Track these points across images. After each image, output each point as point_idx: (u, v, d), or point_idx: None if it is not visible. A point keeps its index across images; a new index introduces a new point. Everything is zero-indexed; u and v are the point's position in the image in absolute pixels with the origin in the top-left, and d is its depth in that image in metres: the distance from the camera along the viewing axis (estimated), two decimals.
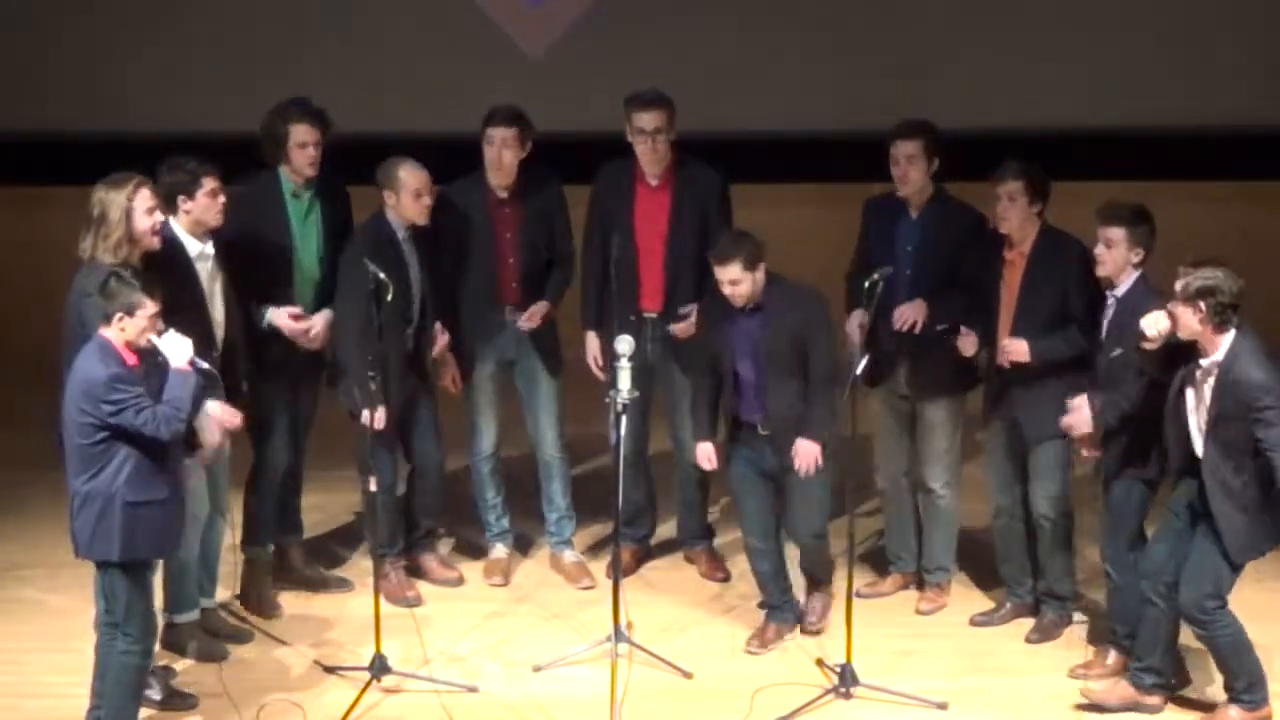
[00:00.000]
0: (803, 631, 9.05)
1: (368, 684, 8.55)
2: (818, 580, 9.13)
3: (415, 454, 9.43)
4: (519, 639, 9.14)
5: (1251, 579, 9.31)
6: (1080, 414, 8.46)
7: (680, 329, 9.32)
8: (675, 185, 9.37)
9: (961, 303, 8.96)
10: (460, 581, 9.62)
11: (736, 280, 8.54)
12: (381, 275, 8.68)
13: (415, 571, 9.55)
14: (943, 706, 8.50)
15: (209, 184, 8.63)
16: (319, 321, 9.15)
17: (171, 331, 7.81)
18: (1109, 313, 8.45)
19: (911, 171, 9.03)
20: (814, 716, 8.48)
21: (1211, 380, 7.95)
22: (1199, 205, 11.82)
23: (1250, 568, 9.10)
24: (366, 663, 8.61)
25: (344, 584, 9.55)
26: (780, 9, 12.55)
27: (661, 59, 12.06)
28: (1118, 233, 8.41)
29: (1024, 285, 8.74)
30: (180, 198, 8.60)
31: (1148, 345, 8.13)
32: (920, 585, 9.47)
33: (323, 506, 10.13)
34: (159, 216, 8.32)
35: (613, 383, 8.48)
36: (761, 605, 9.09)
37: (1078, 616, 9.07)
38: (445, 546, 9.93)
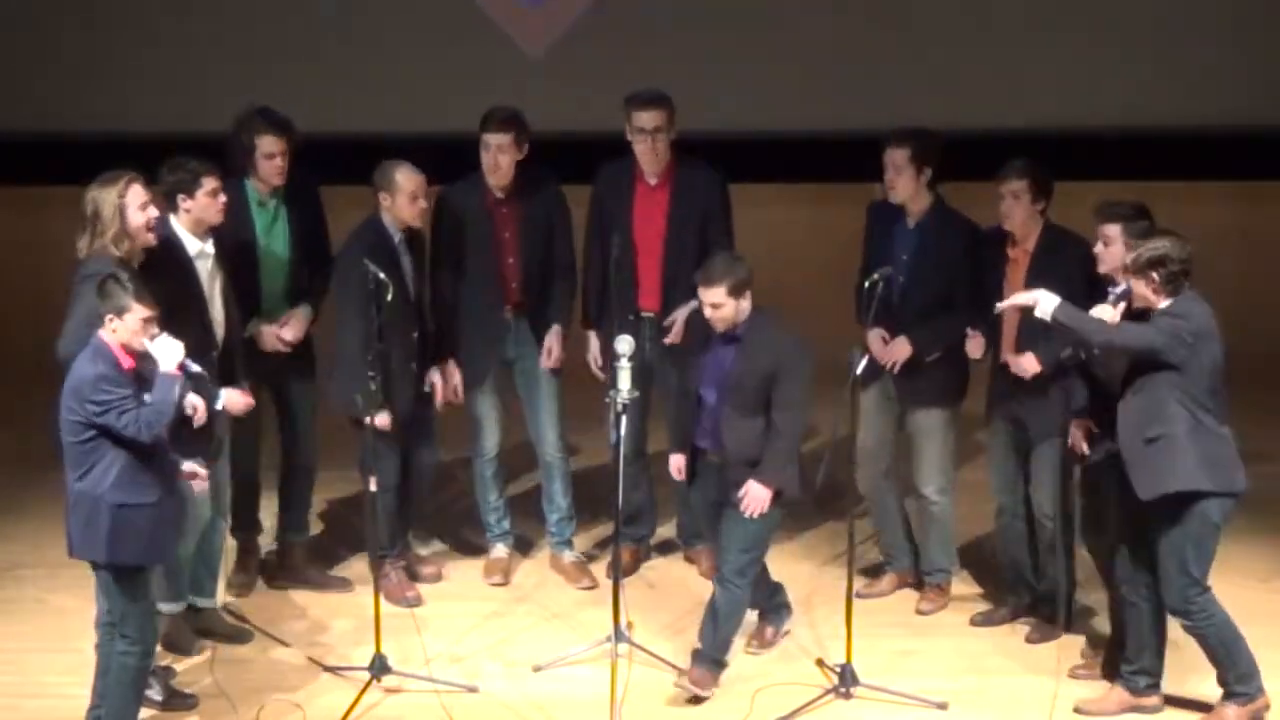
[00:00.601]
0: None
1: (368, 684, 8.55)
2: (716, 633, 8.55)
3: (411, 458, 9.45)
4: (519, 639, 9.14)
5: (1253, 579, 9.33)
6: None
7: (670, 339, 9.34)
8: (674, 185, 9.38)
9: (953, 326, 8.96)
10: (438, 578, 9.65)
11: (718, 304, 8.39)
12: (381, 275, 8.70)
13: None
14: (943, 706, 8.50)
15: (209, 183, 8.64)
16: (293, 324, 9.19)
17: (164, 335, 7.81)
18: None
19: (898, 180, 9.01)
20: (814, 716, 8.48)
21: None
22: (1199, 205, 11.82)
23: (1251, 568, 9.10)
24: (366, 663, 8.61)
25: (344, 584, 9.56)
26: (780, 9, 12.55)
27: (661, 59, 12.06)
28: (1115, 229, 8.42)
29: (1028, 283, 8.73)
30: (180, 196, 8.62)
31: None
32: (920, 585, 9.47)
33: (323, 506, 10.13)
34: (153, 211, 8.32)
35: (613, 383, 8.48)
36: (753, 606, 8.98)
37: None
38: (425, 549, 9.94)
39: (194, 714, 8.49)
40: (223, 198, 8.68)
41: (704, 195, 9.39)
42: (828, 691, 8.56)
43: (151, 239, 8.34)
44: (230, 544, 9.33)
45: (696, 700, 8.52)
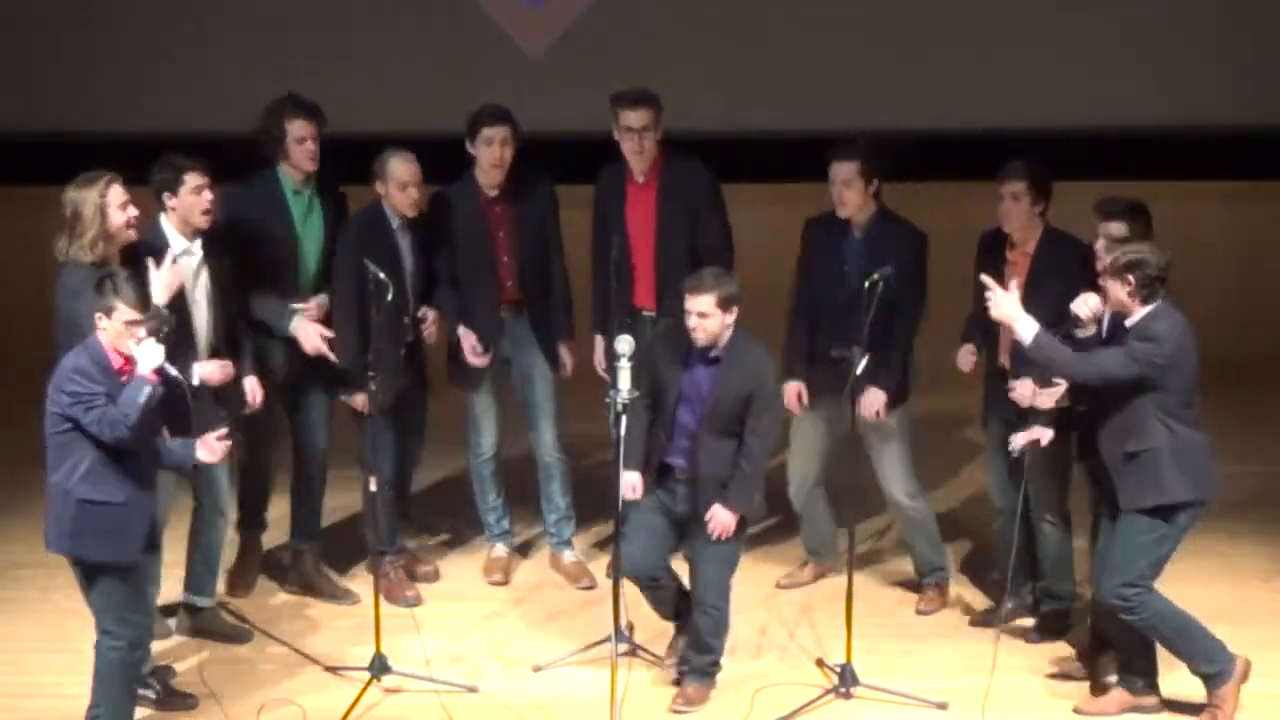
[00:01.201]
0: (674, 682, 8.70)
1: (368, 684, 8.55)
2: (704, 651, 8.59)
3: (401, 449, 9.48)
4: (519, 639, 9.14)
5: (1255, 578, 9.33)
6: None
7: None
8: (661, 183, 9.37)
9: (909, 333, 9.02)
10: (435, 577, 9.68)
11: (706, 314, 8.27)
12: (381, 275, 8.71)
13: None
14: (943, 706, 8.50)
15: (192, 180, 8.61)
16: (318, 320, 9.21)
17: (150, 340, 7.78)
18: (1077, 334, 8.38)
19: (848, 194, 8.97)
20: (814, 716, 8.49)
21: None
22: (1199, 205, 11.83)
23: (1251, 568, 9.10)
24: (366, 663, 8.62)
25: (350, 596, 9.51)
26: (779, 9, 12.55)
27: (661, 59, 12.06)
28: (1116, 227, 8.41)
29: (1027, 286, 8.73)
30: (165, 194, 8.62)
31: (1081, 331, 8.18)
32: (919, 588, 9.48)
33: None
34: (133, 211, 8.31)
35: (613, 382, 8.47)
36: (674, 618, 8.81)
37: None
38: (413, 540, 9.96)
39: (193, 714, 8.49)
40: (208, 195, 8.64)
41: (691, 192, 9.37)
42: (828, 691, 8.56)
43: (132, 235, 8.33)
44: (231, 537, 9.33)
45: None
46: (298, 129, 9.10)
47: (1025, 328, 8.10)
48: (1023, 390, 8.48)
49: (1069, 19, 12.53)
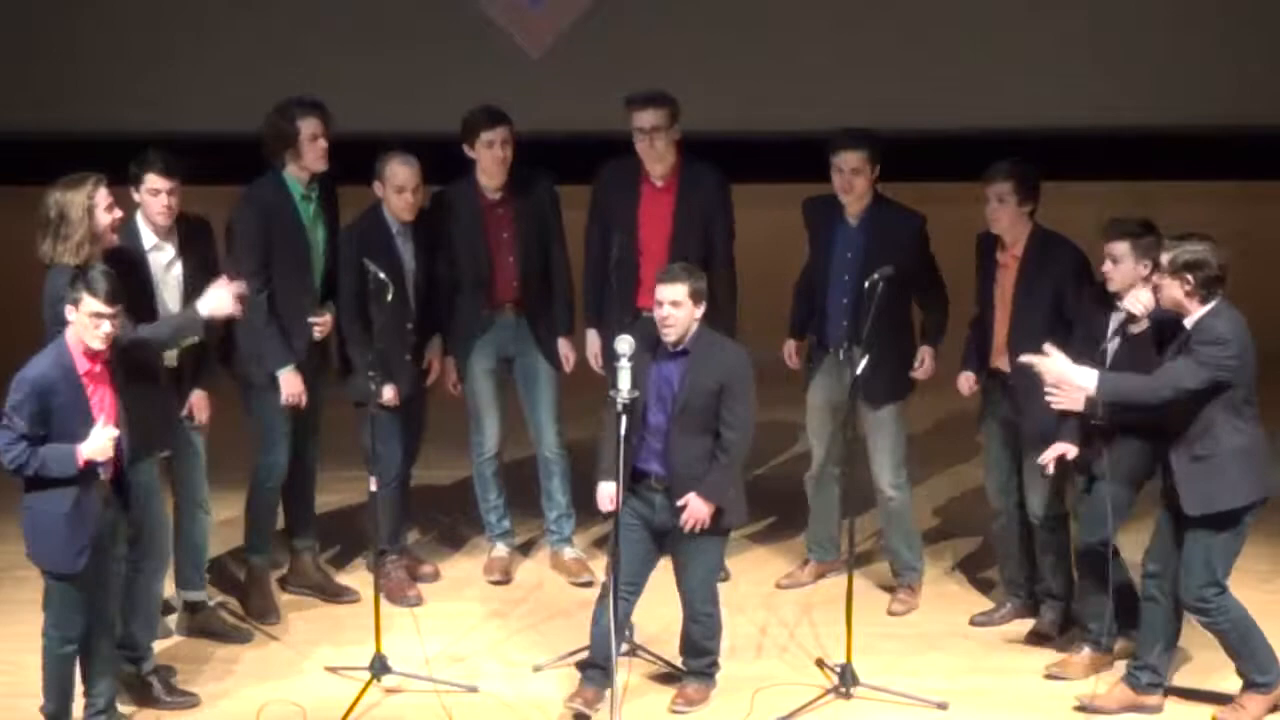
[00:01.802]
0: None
1: (368, 684, 8.55)
2: (701, 655, 8.58)
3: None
4: (519, 639, 9.14)
5: (1255, 579, 9.33)
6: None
7: None
8: (680, 187, 9.35)
9: (942, 317, 9.12)
10: (436, 577, 9.68)
11: (678, 303, 8.20)
12: (381, 275, 8.71)
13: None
14: (943, 706, 8.50)
15: (150, 182, 8.55)
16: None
17: (107, 427, 7.74)
18: (1131, 330, 8.35)
19: (858, 181, 8.99)
20: (814, 716, 8.48)
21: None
22: (1199, 205, 11.80)
23: (1252, 568, 9.11)
24: (366, 663, 8.61)
25: (351, 594, 9.51)
26: (779, 9, 12.55)
27: (662, 59, 12.07)
28: (1122, 247, 8.35)
29: (1018, 288, 8.73)
30: (133, 190, 8.59)
31: (1134, 326, 8.16)
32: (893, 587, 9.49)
33: (323, 506, 10.12)
34: (118, 212, 8.29)
35: (613, 382, 8.46)
36: (583, 666, 8.50)
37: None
38: (412, 541, 9.93)
39: (194, 713, 8.49)
40: (164, 199, 8.55)
41: (708, 197, 9.38)
42: (828, 691, 8.56)
43: (115, 239, 8.32)
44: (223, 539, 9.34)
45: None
46: (311, 126, 9.04)
47: (1085, 379, 8.07)
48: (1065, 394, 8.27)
49: (1069, 19, 12.53)
